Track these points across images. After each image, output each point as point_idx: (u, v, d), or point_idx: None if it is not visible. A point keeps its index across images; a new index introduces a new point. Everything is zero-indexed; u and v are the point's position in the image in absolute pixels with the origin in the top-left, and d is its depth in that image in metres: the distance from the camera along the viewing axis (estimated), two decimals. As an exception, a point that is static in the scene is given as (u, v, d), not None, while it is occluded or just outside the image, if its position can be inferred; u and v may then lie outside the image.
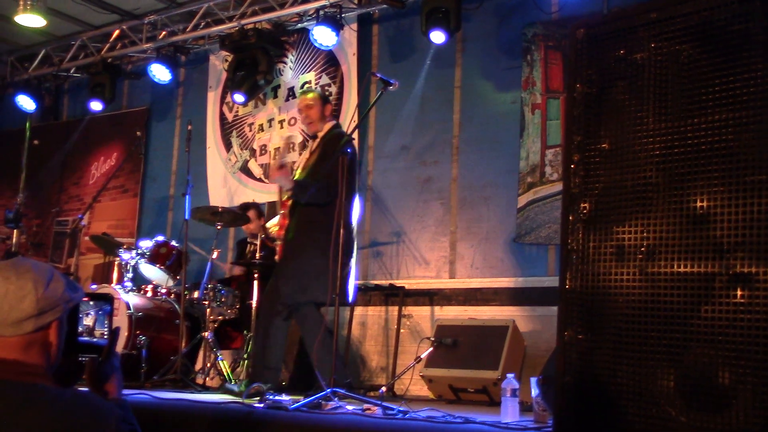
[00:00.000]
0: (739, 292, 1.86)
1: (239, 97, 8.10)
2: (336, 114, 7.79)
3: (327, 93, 7.88)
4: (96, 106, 8.97)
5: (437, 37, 6.84)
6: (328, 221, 4.90)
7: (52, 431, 1.76)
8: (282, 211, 5.48)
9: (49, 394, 1.83)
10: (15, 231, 8.72)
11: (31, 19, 7.56)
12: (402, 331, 6.85)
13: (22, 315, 1.84)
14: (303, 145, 7.95)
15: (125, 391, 4.69)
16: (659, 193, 2.06)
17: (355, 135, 6.53)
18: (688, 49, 2.04)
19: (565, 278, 2.22)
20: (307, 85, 8.05)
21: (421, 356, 5.90)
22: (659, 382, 1.96)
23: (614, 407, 2.06)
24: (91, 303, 2.33)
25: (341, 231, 4.77)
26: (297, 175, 5.59)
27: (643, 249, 2.08)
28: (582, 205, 2.21)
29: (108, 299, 2.38)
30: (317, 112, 5.59)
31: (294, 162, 7.97)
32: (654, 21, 2.11)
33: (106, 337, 2.28)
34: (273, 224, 5.61)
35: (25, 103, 9.50)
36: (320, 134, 5.60)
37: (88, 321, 2.31)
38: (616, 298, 2.11)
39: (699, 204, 1.98)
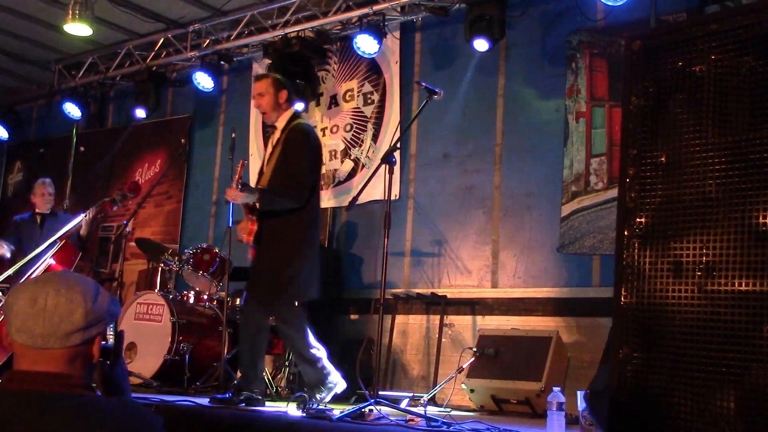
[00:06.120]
0: (803, 312, 1.81)
1: (282, 105, 8.14)
2: (378, 118, 7.78)
3: (370, 101, 7.88)
4: (140, 113, 9.11)
5: (481, 45, 6.80)
6: (301, 222, 4.99)
7: None
8: (248, 216, 5.09)
9: (99, 405, 1.82)
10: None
11: (78, 28, 7.69)
12: (443, 340, 6.81)
13: (72, 327, 1.82)
14: (345, 153, 7.97)
15: (169, 398, 4.73)
16: (719, 209, 2.01)
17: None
18: (751, 62, 1.99)
19: (620, 294, 2.17)
20: (349, 94, 8.07)
21: (463, 366, 5.86)
22: (719, 404, 1.91)
23: (670, 428, 2.01)
24: None
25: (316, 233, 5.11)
26: (265, 172, 5.23)
27: (701, 266, 2.02)
28: (638, 219, 2.17)
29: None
30: (270, 101, 5.10)
31: (335, 170, 7.99)
32: (714, 32, 2.06)
33: (111, 340, 2.23)
34: (241, 229, 5.14)
35: (72, 110, 9.68)
36: (279, 125, 5.15)
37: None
38: (673, 315, 2.06)
39: (762, 220, 1.92)
